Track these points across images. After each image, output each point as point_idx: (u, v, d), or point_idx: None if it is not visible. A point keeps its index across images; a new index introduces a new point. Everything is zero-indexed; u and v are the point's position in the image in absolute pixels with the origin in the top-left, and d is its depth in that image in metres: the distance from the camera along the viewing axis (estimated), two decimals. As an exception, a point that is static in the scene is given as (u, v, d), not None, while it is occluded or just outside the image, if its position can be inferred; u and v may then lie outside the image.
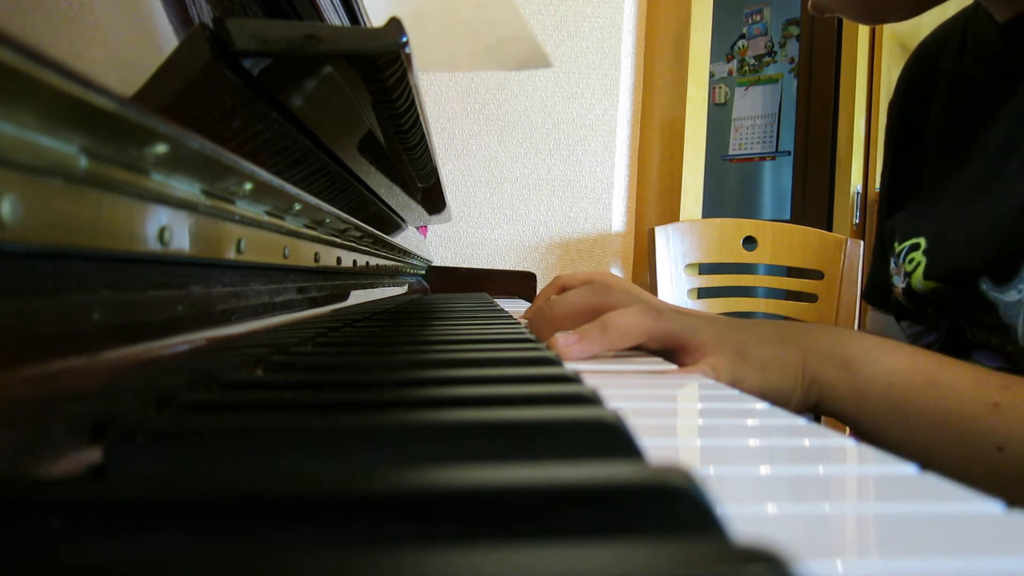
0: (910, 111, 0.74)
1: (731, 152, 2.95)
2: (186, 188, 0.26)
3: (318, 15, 0.47)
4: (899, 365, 0.45)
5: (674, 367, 0.45)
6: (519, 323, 0.63)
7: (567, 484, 0.14)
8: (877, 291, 0.79)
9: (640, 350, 0.50)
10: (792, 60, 2.79)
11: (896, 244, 0.67)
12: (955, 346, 0.64)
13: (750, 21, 2.93)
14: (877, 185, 2.07)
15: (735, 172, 2.96)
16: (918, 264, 0.62)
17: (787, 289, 1.62)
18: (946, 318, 0.64)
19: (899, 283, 0.66)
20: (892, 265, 0.68)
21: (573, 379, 0.31)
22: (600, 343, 0.46)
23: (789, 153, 2.74)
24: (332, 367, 0.36)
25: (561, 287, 0.89)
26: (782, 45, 2.85)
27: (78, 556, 0.13)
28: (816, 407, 0.48)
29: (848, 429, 0.48)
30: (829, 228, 2.12)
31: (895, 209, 0.72)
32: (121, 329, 0.22)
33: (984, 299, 0.55)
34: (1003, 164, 0.58)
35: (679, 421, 0.31)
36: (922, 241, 0.63)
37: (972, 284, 0.56)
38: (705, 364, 0.45)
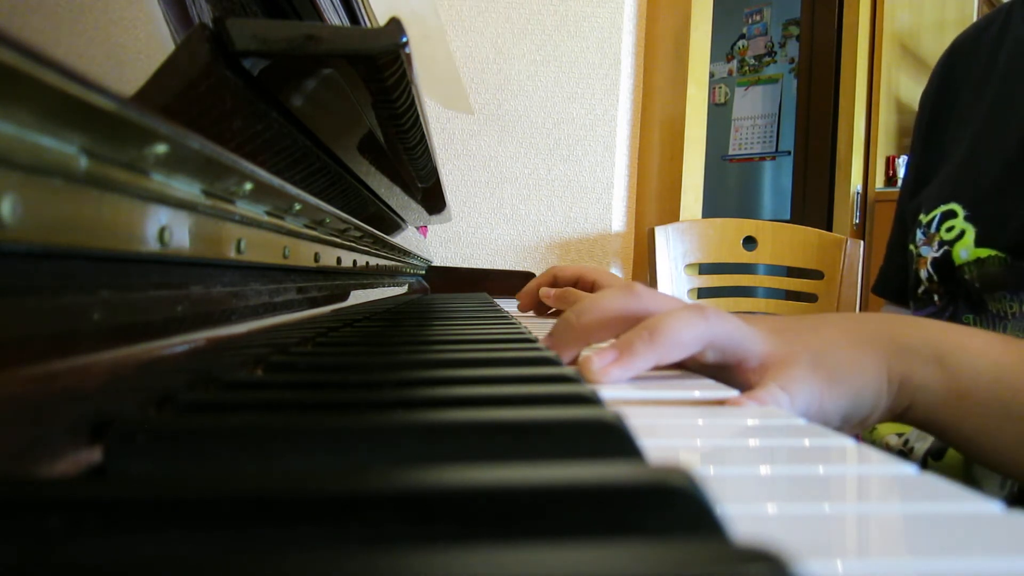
0: (943, 97, 0.75)
1: (731, 152, 2.95)
2: (186, 188, 0.26)
3: (318, 15, 0.47)
4: (1003, 356, 0.39)
5: (733, 393, 0.34)
6: (519, 323, 0.63)
7: (567, 484, 0.14)
8: (890, 282, 0.78)
9: (680, 367, 0.41)
10: (792, 60, 2.79)
11: (923, 216, 0.66)
12: None
13: (750, 21, 2.93)
14: (877, 185, 2.07)
15: (735, 172, 2.97)
16: (962, 232, 0.60)
17: (787, 289, 1.63)
18: (952, 305, 0.64)
19: (929, 253, 0.64)
20: (919, 236, 0.67)
21: (573, 379, 0.31)
22: (647, 356, 0.36)
23: (789, 153, 2.74)
24: (332, 367, 0.36)
25: (553, 277, 0.86)
26: (782, 45, 2.85)
27: (78, 556, 0.13)
28: (904, 415, 0.40)
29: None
30: (829, 228, 2.13)
31: (920, 188, 0.72)
32: (121, 329, 0.22)
33: None
34: None
35: (679, 420, 0.31)
36: (956, 207, 0.62)
37: None
38: (774, 386, 0.35)
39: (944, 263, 0.62)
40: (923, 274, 0.66)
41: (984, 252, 0.59)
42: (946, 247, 0.62)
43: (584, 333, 0.41)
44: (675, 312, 0.37)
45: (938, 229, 0.63)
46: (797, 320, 0.42)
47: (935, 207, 0.65)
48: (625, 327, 0.39)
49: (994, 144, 0.63)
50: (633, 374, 0.36)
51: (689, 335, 0.36)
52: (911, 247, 0.69)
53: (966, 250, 0.60)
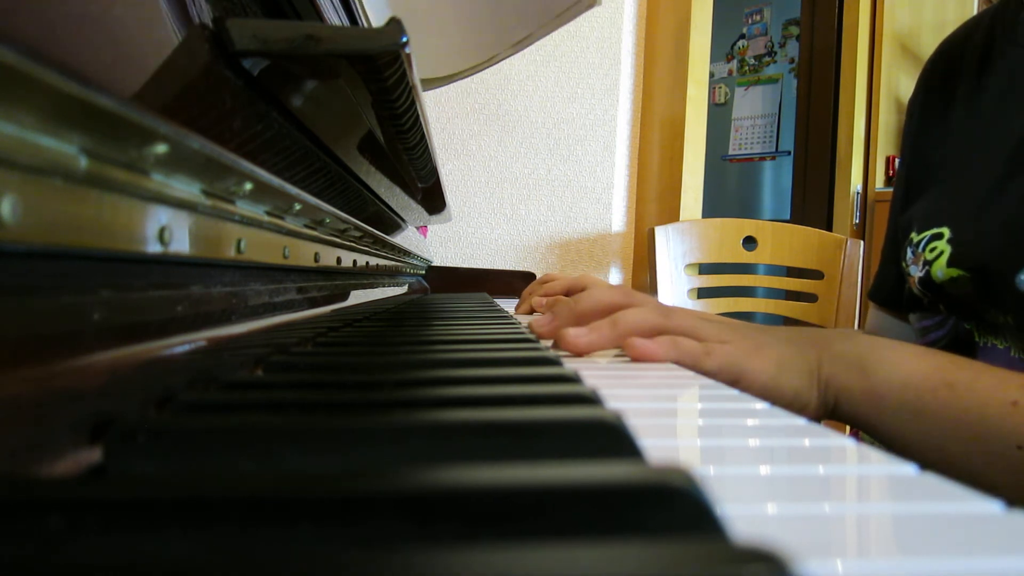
0: (931, 106, 0.74)
1: (731, 152, 2.95)
2: (186, 188, 0.26)
3: (318, 15, 0.47)
4: (914, 366, 0.46)
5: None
6: (519, 323, 0.63)
7: (567, 484, 0.14)
8: (883, 289, 0.78)
9: None
10: (792, 60, 2.79)
11: (914, 234, 0.66)
12: (961, 347, 0.64)
13: (750, 21, 2.93)
14: (877, 185, 2.07)
15: (735, 172, 2.97)
16: (941, 252, 0.61)
17: (787, 289, 1.62)
18: (955, 315, 0.64)
19: (916, 272, 0.65)
20: (909, 255, 0.67)
21: (573, 379, 0.31)
22: (608, 337, 0.46)
23: (789, 153, 2.74)
24: (332, 367, 0.36)
25: (544, 282, 0.96)
26: (782, 45, 2.85)
27: (78, 556, 0.13)
28: (834, 410, 0.48)
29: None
30: (829, 228, 2.13)
31: (912, 202, 0.72)
32: (121, 329, 0.22)
33: (1013, 292, 0.54)
34: None
35: (679, 421, 0.31)
36: (945, 230, 0.62)
37: (1005, 275, 0.55)
38: (701, 344, 0.44)
39: (928, 281, 0.63)
40: (916, 291, 0.66)
41: (955, 272, 0.60)
42: (927, 267, 0.63)
43: (578, 318, 0.51)
44: (639, 308, 0.47)
45: (924, 249, 0.64)
46: (749, 324, 0.51)
47: (926, 229, 0.65)
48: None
49: (981, 167, 0.63)
50: (595, 349, 0.46)
51: (643, 327, 0.46)
52: (903, 264, 0.69)
53: (941, 270, 0.61)
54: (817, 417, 0.48)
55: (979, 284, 0.58)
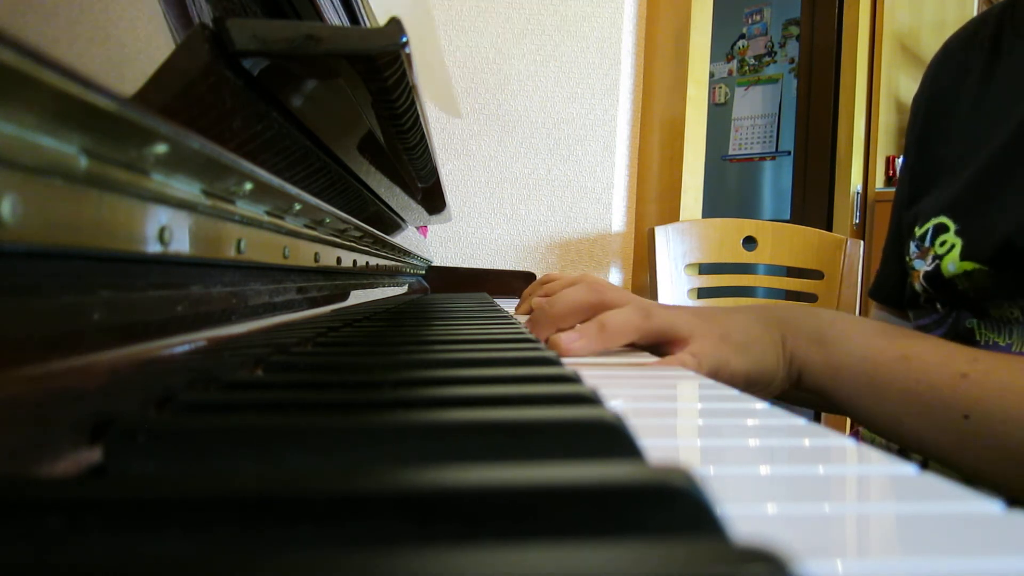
0: (937, 102, 0.74)
1: (731, 152, 2.95)
2: (186, 188, 0.26)
3: (318, 15, 0.47)
4: (872, 340, 0.49)
5: (655, 359, 0.49)
6: (519, 323, 0.63)
7: (567, 484, 0.14)
8: (884, 287, 0.78)
9: (632, 347, 0.53)
10: (792, 60, 2.79)
11: (917, 228, 0.66)
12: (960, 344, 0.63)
13: (750, 21, 2.93)
14: (877, 185, 2.07)
15: (735, 172, 2.97)
16: (952, 246, 0.61)
17: (787, 289, 1.62)
18: (955, 312, 0.64)
19: (922, 266, 0.64)
20: (913, 249, 0.66)
21: (573, 379, 0.31)
22: (599, 341, 0.48)
23: (789, 153, 2.74)
24: (332, 367, 0.36)
25: (545, 283, 0.99)
26: (782, 45, 2.85)
27: (78, 556, 0.13)
28: (798, 383, 0.51)
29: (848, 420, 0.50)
30: (829, 228, 2.13)
31: (917, 199, 0.71)
32: (121, 329, 0.22)
33: None
34: None
35: (679, 421, 0.31)
36: (948, 221, 0.62)
37: None
38: (687, 353, 0.48)
39: (936, 276, 0.62)
40: (918, 287, 0.66)
41: (969, 265, 0.59)
42: (937, 261, 0.62)
43: (555, 319, 0.53)
44: (621, 310, 0.49)
45: (931, 243, 0.63)
46: (718, 309, 0.54)
47: (929, 219, 0.64)
48: (589, 314, 0.51)
49: (988, 158, 0.63)
50: (588, 353, 0.48)
51: (628, 329, 0.49)
52: (907, 258, 0.69)
53: (953, 263, 0.60)
54: (783, 390, 0.52)
55: (999, 274, 0.57)
